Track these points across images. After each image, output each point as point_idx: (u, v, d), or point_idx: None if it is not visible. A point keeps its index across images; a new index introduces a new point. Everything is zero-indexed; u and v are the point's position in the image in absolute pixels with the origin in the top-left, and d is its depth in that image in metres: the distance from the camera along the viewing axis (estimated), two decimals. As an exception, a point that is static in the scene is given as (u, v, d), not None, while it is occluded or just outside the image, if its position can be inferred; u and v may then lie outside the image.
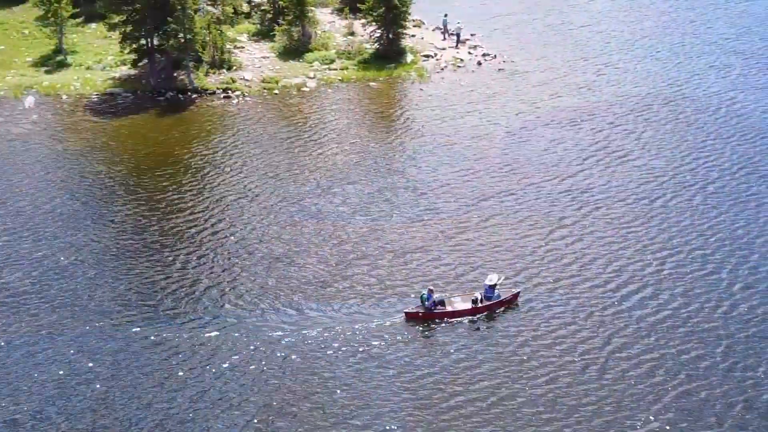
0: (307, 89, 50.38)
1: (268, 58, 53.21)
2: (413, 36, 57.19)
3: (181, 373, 28.24)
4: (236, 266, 33.82)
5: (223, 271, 33.52)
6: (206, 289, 32.46)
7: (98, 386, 27.74)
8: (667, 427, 26.37)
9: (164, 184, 40.02)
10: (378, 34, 53.88)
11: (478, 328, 31.18)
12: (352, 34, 56.40)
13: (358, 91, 50.80)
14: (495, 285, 32.20)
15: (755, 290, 32.48)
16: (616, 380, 28.18)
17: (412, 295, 32.10)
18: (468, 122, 46.69)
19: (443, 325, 31.24)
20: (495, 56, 55.67)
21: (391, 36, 53.64)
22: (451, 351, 29.91)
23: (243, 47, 54.10)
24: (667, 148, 43.91)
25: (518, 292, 32.66)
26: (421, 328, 30.96)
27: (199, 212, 37.66)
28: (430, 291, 31.94)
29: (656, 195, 39.30)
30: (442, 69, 53.83)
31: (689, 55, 56.84)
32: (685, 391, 27.75)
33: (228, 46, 51.71)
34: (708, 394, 27.62)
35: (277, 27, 54.12)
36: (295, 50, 53.42)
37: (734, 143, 44.41)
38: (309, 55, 52.90)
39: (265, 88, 50.11)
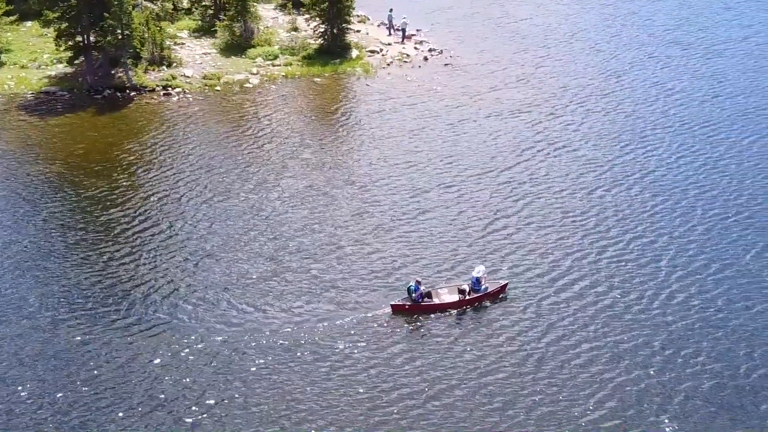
0: (250, 85, 49.62)
1: (209, 54, 52.33)
2: (358, 31, 56.69)
3: (110, 373, 27.44)
4: (171, 263, 33.05)
5: (156, 268, 32.73)
6: (138, 287, 31.63)
7: (21, 388, 26.80)
8: (615, 420, 26.30)
9: (101, 183, 38.98)
10: (322, 30, 53.32)
11: (465, 321, 30.74)
12: (295, 29, 55.73)
13: (303, 87, 50.12)
14: (482, 277, 31.69)
15: (694, 278, 32.53)
16: (556, 372, 28.07)
17: (353, 291, 31.64)
18: (413, 116, 46.36)
19: (430, 317, 30.77)
20: (441, 51, 55.46)
21: (335, 31, 53.08)
22: (438, 344, 29.52)
23: (183, 44, 53.12)
24: (607, 139, 44.06)
25: (506, 284, 32.21)
26: (407, 321, 30.50)
27: (136, 211, 36.75)
28: (418, 283, 31.31)
29: (596, 185, 39.33)
30: (388, 64, 53.47)
31: (629, 46, 57.29)
32: (629, 380, 27.69)
33: (168, 43, 50.71)
34: (649, 383, 27.54)
35: (218, 23, 53.25)
36: (238, 46, 52.61)
37: (673, 133, 44.66)
38: (252, 51, 52.14)
39: (206, 85, 49.22)
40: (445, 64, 53.75)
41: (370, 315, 30.69)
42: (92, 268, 32.70)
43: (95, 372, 27.62)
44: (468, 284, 31.76)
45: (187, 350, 28.48)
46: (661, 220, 36.35)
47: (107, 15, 46.77)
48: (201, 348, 28.63)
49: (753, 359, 28.48)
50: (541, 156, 42.05)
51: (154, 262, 33.21)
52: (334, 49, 53.13)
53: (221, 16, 53.79)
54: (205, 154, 41.87)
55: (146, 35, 49.15)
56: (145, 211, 36.75)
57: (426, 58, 54.62)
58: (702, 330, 29.80)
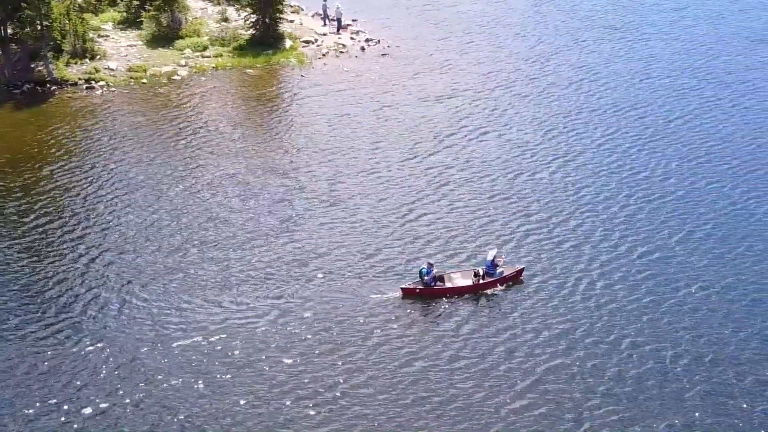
0: (178, 77, 47.63)
1: (135, 46, 50.15)
2: (291, 22, 55.04)
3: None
4: (90, 266, 31.33)
5: (73, 271, 30.96)
6: (57, 291, 29.85)
7: None
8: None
9: (19, 182, 36.73)
10: (253, 20, 51.50)
11: (478, 306, 29.71)
12: (226, 20, 53.80)
13: (234, 79, 48.33)
14: (496, 261, 30.47)
15: (621, 261, 32.07)
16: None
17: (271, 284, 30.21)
18: (347, 106, 45.12)
19: (442, 301, 29.68)
20: (379, 41, 54.16)
21: (267, 21, 51.34)
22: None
23: (108, 36, 50.81)
24: (535, 123, 43.48)
25: (522, 268, 31.05)
26: (418, 305, 29.44)
27: (56, 211, 34.71)
28: (430, 265, 30.10)
29: (521, 170, 38.75)
30: (324, 55, 51.98)
31: (558, 31, 56.83)
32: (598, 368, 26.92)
33: (91, 35, 48.41)
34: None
35: (144, 13, 51.02)
36: (165, 38, 50.56)
37: (602, 115, 44.26)
38: (180, 43, 50.13)
39: (132, 78, 47.07)
40: (383, 54, 52.53)
41: (380, 299, 29.61)
42: (15, 273, 30.71)
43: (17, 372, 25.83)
44: (482, 268, 30.54)
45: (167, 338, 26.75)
46: (586, 205, 35.73)
47: (25, 5, 44.34)
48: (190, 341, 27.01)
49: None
50: (465, 141, 41.36)
51: (74, 264, 31.42)
52: (266, 39, 51.40)
53: (147, 7, 51.56)
54: (129, 148, 39.92)
55: (67, 27, 46.81)
56: (71, 212, 34.73)
57: (363, 48, 53.30)
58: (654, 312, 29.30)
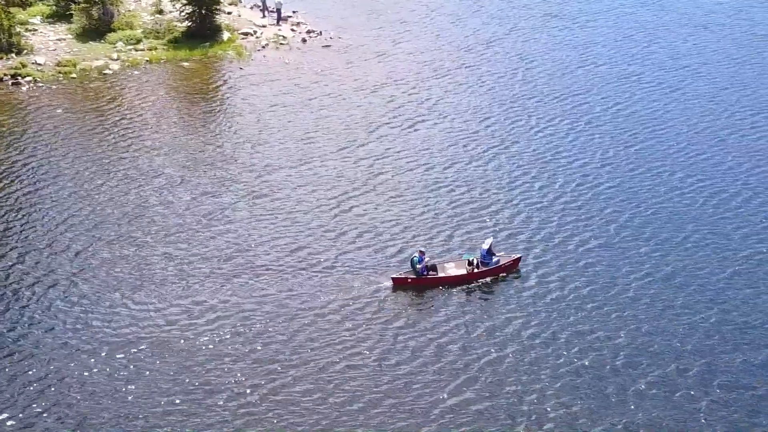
0: (110, 72, 45.99)
1: (64, 40, 48.32)
2: (230, 14, 53.64)
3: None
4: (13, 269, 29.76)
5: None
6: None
7: None
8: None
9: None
10: (189, 12, 49.94)
11: (472, 296, 28.67)
12: (160, 12, 52.16)
13: (168, 72, 46.85)
14: (492, 249, 29.32)
15: (557, 251, 31.43)
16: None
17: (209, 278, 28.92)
18: (284, 98, 43.94)
19: (435, 292, 28.58)
20: (320, 33, 53.02)
21: (204, 13, 49.76)
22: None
23: (36, 30, 48.90)
24: (466, 112, 42.78)
25: (519, 257, 29.97)
26: (409, 296, 28.42)
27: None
28: (421, 253, 28.85)
29: (456, 159, 37.99)
30: (264, 47, 50.70)
31: (496, 19, 56.20)
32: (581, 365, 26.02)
33: (18, 29, 46.39)
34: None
35: (74, 6, 49.04)
36: (96, 31, 48.88)
37: (538, 103, 43.72)
38: (112, 36, 48.48)
39: (60, 73, 45.31)
40: (325, 46, 51.42)
41: (370, 289, 28.59)
42: None
43: None
44: (477, 257, 29.42)
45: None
46: (522, 193, 35.06)
47: (-56, -1, 42.44)
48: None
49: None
50: (396, 131, 40.53)
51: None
52: (203, 32, 49.94)
53: (77, 0, 49.56)
54: (55, 144, 38.34)
55: (-9, 21, 44.83)
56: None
57: (304, 40, 52.06)
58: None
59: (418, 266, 29.03)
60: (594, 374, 25.29)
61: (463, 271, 29.36)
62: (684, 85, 45.96)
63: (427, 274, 29.12)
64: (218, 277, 29.36)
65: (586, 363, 25.70)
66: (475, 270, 29.33)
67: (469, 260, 29.47)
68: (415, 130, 40.71)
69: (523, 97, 44.57)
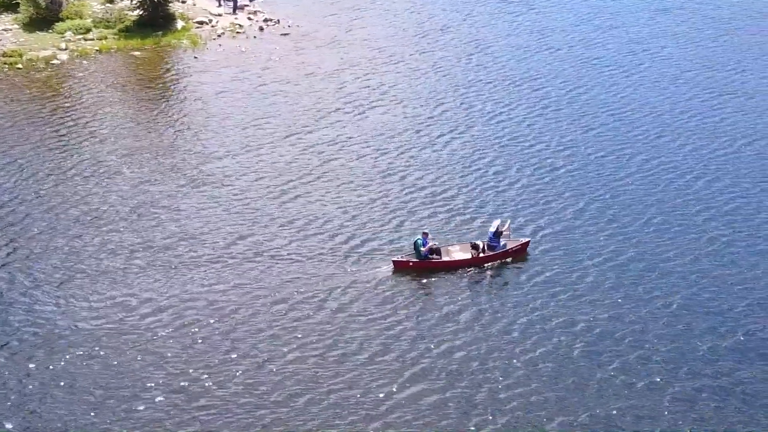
0: (58, 62, 44.68)
1: (10, 30, 46.91)
2: (184, 2, 52.55)
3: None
4: None
5: None
6: None
7: None
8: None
9: None
10: (141, 0, 48.57)
11: (478, 282, 27.75)
12: (111, 1, 50.85)
13: (120, 62, 45.62)
14: (500, 232, 28.23)
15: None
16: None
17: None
18: (237, 87, 42.96)
19: (438, 276, 27.66)
20: (278, 21, 51.98)
21: (156, 1, 48.49)
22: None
23: (-21, 20, 47.42)
24: (422, 98, 42.08)
25: (528, 241, 28.93)
26: (410, 280, 27.49)
27: None
28: (425, 235, 27.78)
29: (410, 145, 37.23)
30: (219, 36, 49.59)
31: (450, 5, 55.42)
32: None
33: (-40, 20, 45.03)
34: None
35: (21, -5, 47.67)
36: (44, 20, 47.47)
37: (493, 88, 43.05)
38: (60, 25, 47.12)
39: (5, 63, 43.93)
40: (283, 34, 50.39)
41: (368, 272, 27.77)
42: None
43: None
44: (483, 240, 28.36)
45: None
46: (475, 180, 34.38)
47: None
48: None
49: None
50: (348, 118, 39.74)
51: None
52: (155, 20, 48.75)
53: (25, -12, 48.17)
54: (4, 140, 36.87)
55: (-68, 11, 43.37)
56: None
57: (262, 29, 51.04)
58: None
59: (422, 249, 28.00)
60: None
61: (469, 255, 28.35)
62: (644, 69, 45.56)
63: (432, 258, 28.10)
64: (158, 268, 28.35)
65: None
66: (481, 254, 28.31)
67: (474, 243, 28.51)
68: (369, 116, 39.93)
69: (479, 82, 43.88)
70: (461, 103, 41.45)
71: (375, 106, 41.05)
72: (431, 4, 56.01)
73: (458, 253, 28.63)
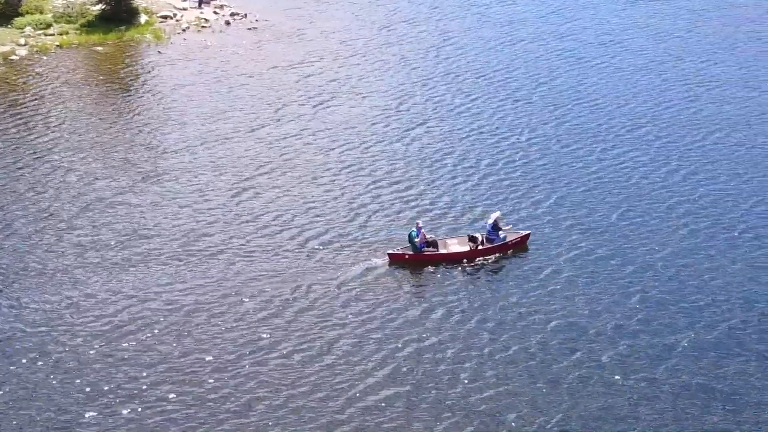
0: (17, 57, 43.64)
1: (-33, 25, 45.80)
2: (149, -4, 51.55)
3: None
4: None
5: None
6: None
7: None
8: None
9: None
10: (103, -6, 47.82)
11: (475, 275, 26.99)
12: (72, -5, 49.89)
13: (81, 57, 44.71)
14: (498, 225, 27.55)
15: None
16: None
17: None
18: (202, 80, 42.18)
19: (434, 269, 26.93)
20: (245, 15, 51.25)
21: (119, -4, 47.75)
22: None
23: (-64, 16, 46.29)
24: (388, 91, 41.42)
25: (528, 234, 28.20)
26: (406, 274, 26.81)
27: None
28: (419, 227, 27.01)
29: (374, 139, 36.54)
30: (184, 30, 48.78)
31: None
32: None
33: None
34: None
35: (-22, -11, 46.63)
36: (2, 15, 46.45)
37: (462, 82, 42.49)
38: (19, 20, 46.14)
39: (-38, 60, 42.94)
40: (250, 29, 49.65)
41: (365, 266, 27.11)
42: None
43: None
44: (482, 233, 27.68)
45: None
46: (436, 171, 33.94)
47: None
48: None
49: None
50: (300, 112, 39.01)
51: None
52: (118, 15, 47.79)
53: (-18, -17, 47.13)
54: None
55: None
56: None
57: (228, 23, 50.24)
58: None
59: (416, 240, 27.30)
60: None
61: (466, 248, 27.71)
62: (615, 60, 45.16)
63: (429, 251, 27.43)
64: (110, 266, 27.48)
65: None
66: (480, 247, 27.67)
67: (472, 236, 27.88)
68: (335, 110, 39.28)
69: (446, 74, 43.44)
70: (428, 98, 40.81)
71: (342, 100, 40.41)
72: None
73: (456, 246, 28.00)
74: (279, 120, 38.22)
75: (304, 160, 34.67)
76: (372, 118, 38.65)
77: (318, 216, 30.62)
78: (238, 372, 23.05)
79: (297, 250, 28.49)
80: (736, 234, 29.71)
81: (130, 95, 41.06)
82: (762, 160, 34.96)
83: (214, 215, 30.63)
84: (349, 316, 25.35)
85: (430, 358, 23.67)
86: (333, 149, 35.65)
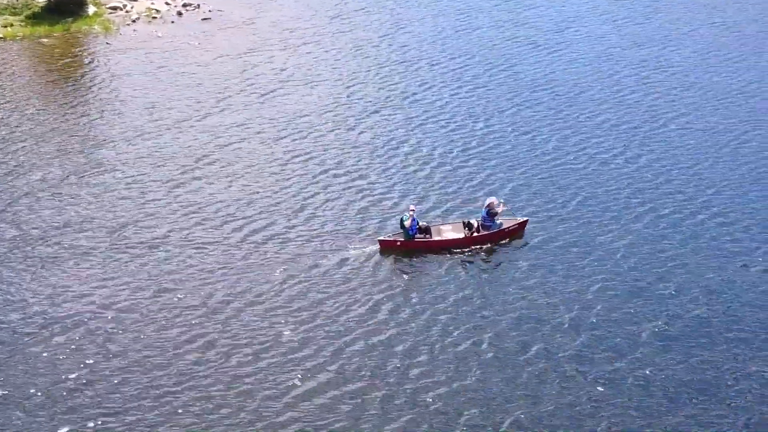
0: (-43, 51, 42.29)
1: None
2: (98, -12, 50.29)
3: None
4: None
5: None
6: None
7: None
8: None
9: None
10: (50, -15, 46.50)
11: (469, 263, 26.05)
12: (17, -14, 48.49)
13: (26, 50, 43.29)
14: (495, 212, 26.56)
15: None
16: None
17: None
18: (148, 70, 41.05)
19: (427, 257, 26.03)
20: (198, 6, 50.07)
21: (66, -14, 46.47)
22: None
23: None
24: (339, 80, 40.58)
25: (525, 221, 27.23)
26: (397, 261, 25.89)
27: None
28: (412, 211, 26.07)
29: (321, 128, 35.66)
30: (134, 21, 47.58)
31: None
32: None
33: None
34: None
35: None
36: (-57, 8, 44.92)
37: (416, 70, 41.74)
38: (-39, 12, 44.57)
39: None
40: (204, 19, 48.49)
41: (353, 253, 26.23)
42: None
43: None
44: (477, 219, 26.71)
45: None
46: (401, 161, 33.03)
47: None
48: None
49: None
50: (243, 103, 38.00)
51: None
52: (65, 6, 46.49)
53: None
54: None
55: None
56: None
57: (180, 14, 49.11)
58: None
59: (406, 224, 26.31)
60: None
61: (461, 235, 26.78)
62: (572, 47, 44.55)
63: (424, 237, 26.54)
64: (38, 262, 26.27)
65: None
66: (475, 234, 26.74)
67: (467, 222, 26.90)
68: (284, 98, 38.36)
69: (400, 62, 42.62)
70: (379, 87, 39.81)
71: (291, 89, 39.37)
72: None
73: (450, 232, 27.09)
74: (224, 110, 37.15)
75: (249, 151, 33.67)
76: (321, 106, 37.67)
77: (267, 207, 29.62)
78: (181, 371, 22.01)
79: (260, 243, 27.52)
80: (699, 221, 28.97)
81: (72, 86, 39.85)
82: (725, 146, 34.41)
83: (151, 207, 29.52)
84: (346, 302, 24.43)
85: (408, 351, 22.69)
86: (282, 138, 34.63)
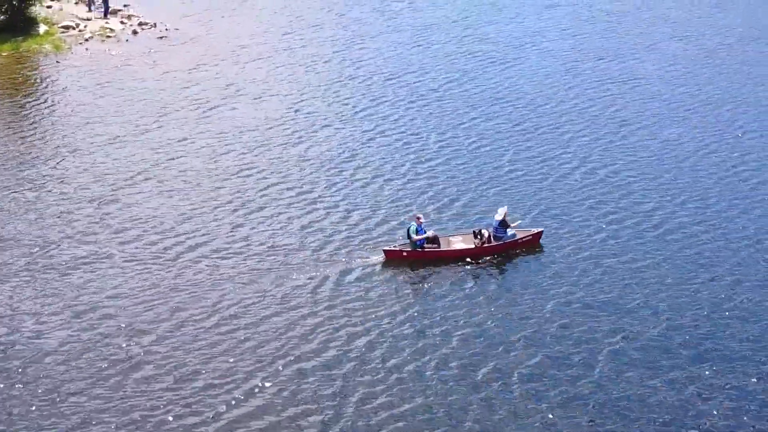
0: None
1: None
2: (50, 7, 49.61)
3: None
4: None
5: None
6: None
7: None
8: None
9: None
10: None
11: (480, 275, 24.84)
12: (-36, 5, 47.57)
13: (-29, 68, 42.43)
14: (506, 221, 25.45)
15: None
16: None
17: None
18: (96, 89, 40.26)
19: (434, 268, 24.89)
20: (155, 24, 49.34)
21: (15, 4, 45.61)
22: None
23: None
24: (282, 95, 39.85)
25: (540, 232, 26.01)
26: (403, 273, 24.81)
27: None
28: (419, 220, 24.88)
29: (271, 142, 34.94)
30: (87, 40, 46.77)
31: (328, 2, 53.90)
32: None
33: None
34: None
35: None
36: None
37: (364, 86, 40.93)
38: None
39: None
40: (160, 37, 47.77)
41: (356, 263, 25.17)
42: None
43: None
44: (489, 229, 25.58)
45: None
46: (350, 175, 32.13)
47: None
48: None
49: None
50: (194, 115, 37.34)
51: None
52: (15, 25, 45.74)
53: None
54: None
55: None
56: None
57: (135, 32, 48.32)
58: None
59: (414, 236, 25.12)
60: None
61: (471, 246, 25.58)
62: (532, 62, 43.83)
63: (432, 247, 25.38)
64: None
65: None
66: (486, 244, 25.57)
67: (477, 232, 25.75)
68: (232, 113, 37.52)
69: (352, 77, 41.84)
70: (330, 102, 38.89)
71: (240, 104, 38.55)
72: (312, 3, 54.20)
73: (460, 243, 25.92)
74: (166, 125, 36.21)
75: (191, 165, 32.59)
76: (271, 121, 36.75)
77: (172, 225, 28.54)
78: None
79: (257, 253, 26.45)
80: (661, 233, 27.80)
81: (12, 104, 38.84)
82: (688, 157, 33.53)
83: (80, 224, 28.34)
84: (343, 316, 23.33)
85: (412, 367, 21.50)
86: (227, 153, 33.65)
